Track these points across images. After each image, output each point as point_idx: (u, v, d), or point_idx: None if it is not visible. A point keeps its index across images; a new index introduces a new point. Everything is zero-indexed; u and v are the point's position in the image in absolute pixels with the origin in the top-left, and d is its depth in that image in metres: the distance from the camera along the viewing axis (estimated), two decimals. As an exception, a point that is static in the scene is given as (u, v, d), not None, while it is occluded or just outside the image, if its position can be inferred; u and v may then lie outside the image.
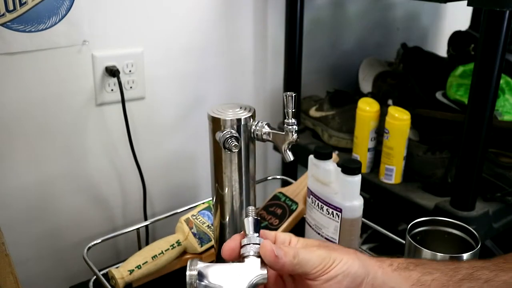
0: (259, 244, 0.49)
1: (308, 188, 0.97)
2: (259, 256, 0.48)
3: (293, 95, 0.76)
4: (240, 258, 0.49)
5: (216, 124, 0.83)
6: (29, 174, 1.05)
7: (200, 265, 0.47)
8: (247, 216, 0.51)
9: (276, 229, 1.05)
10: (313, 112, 1.34)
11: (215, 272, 0.47)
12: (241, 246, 0.49)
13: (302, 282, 0.51)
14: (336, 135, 1.27)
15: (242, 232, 0.52)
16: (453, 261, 0.54)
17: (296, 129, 0.78)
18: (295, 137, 0.78)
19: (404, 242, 0.82)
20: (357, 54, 1.47)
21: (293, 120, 0.78)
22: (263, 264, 0.48)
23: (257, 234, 0.50)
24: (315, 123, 1.33)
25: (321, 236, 0.94)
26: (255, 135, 0.85)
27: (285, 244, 0.53)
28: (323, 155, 0.94)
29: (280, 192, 1.10)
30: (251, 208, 0.51)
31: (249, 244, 0.49)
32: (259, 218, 0.51)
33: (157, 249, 0.96)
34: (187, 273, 0.47)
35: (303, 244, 0.53)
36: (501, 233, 1.10)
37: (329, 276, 0.49)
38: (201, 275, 0.47)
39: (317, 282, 0.49)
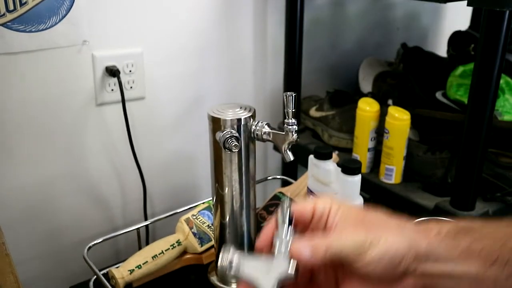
0: (289, 239, 0.48)
1: (308, 188, 0.97)
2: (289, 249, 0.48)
3: (293, 95, 0.76)
4: (271, 250, 0.49)
5: (216, 124, 0.84)
6: (29, 174, 1.05)
7: (231, 255, 0.48)
8: (282, 208, 0.50)
9: (276, 229, 1.05)
10: (313, 112, 1.34)
11: (248, 265, 0.48)
12: (273, 238, 0.49)
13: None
14: (336, 135, 1.27)
15: (274, 221, 0.51)
16: (508, 224, 0.48)
17: (296, 129, 0.78)
18: (295, 137, 0.78)
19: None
20: (357, 54, 1.47)
21: (293, 120, 0.78)
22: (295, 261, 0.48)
23: (291, 228, 0.49)
24: (315, 123, 1.33)
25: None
26: (255, 135, 0.85)
27: (323, 216, 0.51)
28: (323, 155, 0.94)
29: (280, 192, 1.10)
30: (286, 200, 0.51)
31: (280, 238, 0.48)
32: (294, 211, 0.50)
33: (157, 249, 0.96)
34: (219, 263, 0.48)
35: (341, 218, 0.50)
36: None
37: (365, 262, 0.46)
38: (231, 268, 0.47)
39: (352, 267, 0.47)
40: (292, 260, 0.47)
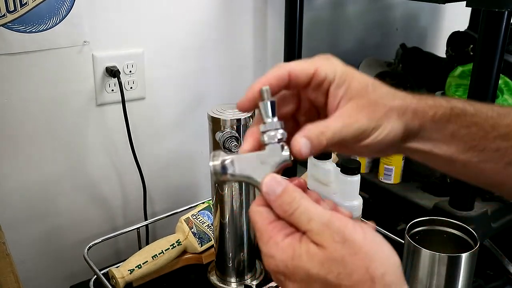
0: (279, 128, 0.45)
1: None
2: (280, 141, 0.45)
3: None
4: (261, 146, 0.46)
5: (216, 124, 0.84)
6: (30, 174, 1.05)
7: (224, 156, 0.46)
8: (262, 99, 0.46)
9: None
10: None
11: (238, 162, 0.46)
12: (261, 133, 0.46)
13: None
14: (336, 135, 1.27)
15: (257, 119, 0.48)
16: (499, 112, 0.50)
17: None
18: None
19: (403, 241, 0.82)
20: (356, 54, 1.47)
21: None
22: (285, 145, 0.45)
23: (276, 119, 0.46)
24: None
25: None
26: (255, 135, 0.85)
27: (324, 85, 0.47)
28: (323, 155, 0.94)
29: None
30: (265, 88, 0.46)
31: (269, 130, 0.45)
32: (275, 99, 0.46)
33: (157, 249, 0.96)
34: (211, 163, 0.45)
35: (345, 93, 0.46)
36: (500, 232, 1.10)
37: (362, 145, 0.47)
38: (224, 167, 0.45)
39: (347, 144, 0.47)
40: (283, 144, 0.45)
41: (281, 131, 0.45)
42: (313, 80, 0.47)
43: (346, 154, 0.48)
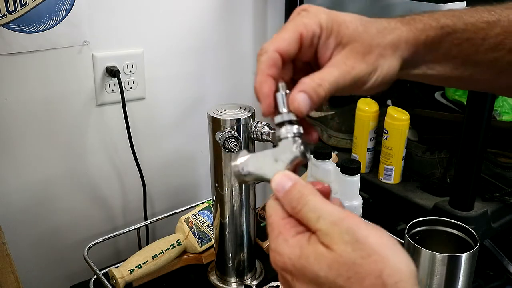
0: (295, 123, 0.44)
1: (307, 188, 0.98)
2: (295, 135, 0.44)
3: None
4: (276, 139, 0.46)
5: (216, 124, 0.84)
6: (30, 174, 1.05)
7: (242, 156, 0.46)
8: (277, 91, 0.45)
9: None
10: (312, 112, 1.34)
11: (253, 161, 0.46)
12: (276, 125, 0.45)
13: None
14: (336, 135, 1.27)
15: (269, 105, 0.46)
16: (495, 14, 0.49)
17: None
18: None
19: (403, 241, 0.82)
20: (357, 54, 1.47)
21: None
22: (299, 139, 0.44)
23: (289, 111, 0.45)
24: (314, 123, 1.34)
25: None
26: (255, 135, 0.85)
27: (313, 43, 0.45)
28: (323, 155, 0.94)
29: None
30: (281, 84, 0.45)
31: (285, 122, 0.45)
32: (284, 92, 0.45)
33: (157, 249, 0.96)
34: (232, 163, 0.46)
35: (336, 42, 0.45)
36: (500, 232, 1.10)
37: (362, 89, 0.47)
38: (240, 168, 0.46)
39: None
40: (296, 140, 0.44)
41: (296, 126, 0.44)
42: (303, 45, 0.45)
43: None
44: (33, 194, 1.07)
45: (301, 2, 1.21)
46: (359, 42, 0.45)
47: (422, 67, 0.50)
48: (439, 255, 0.77)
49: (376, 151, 1.17)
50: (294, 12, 0.46)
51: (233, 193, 0.89)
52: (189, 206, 1.09)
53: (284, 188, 0.41)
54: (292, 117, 0.44)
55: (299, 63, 0.48)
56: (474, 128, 0.92)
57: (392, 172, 1.12)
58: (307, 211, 0.39)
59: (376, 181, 1.15)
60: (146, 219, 1.17)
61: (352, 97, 1.31)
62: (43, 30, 0.97)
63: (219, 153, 0.86)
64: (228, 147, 0.82)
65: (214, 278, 0.98)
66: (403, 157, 1.12)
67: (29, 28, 0.95)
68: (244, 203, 0.91)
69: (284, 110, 0.45)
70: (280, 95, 0.45)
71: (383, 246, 0.36)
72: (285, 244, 0.39)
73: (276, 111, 0.45)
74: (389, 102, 1.26)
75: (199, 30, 1.18)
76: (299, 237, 0.39)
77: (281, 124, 0.45)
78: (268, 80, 0.44)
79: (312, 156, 0.95)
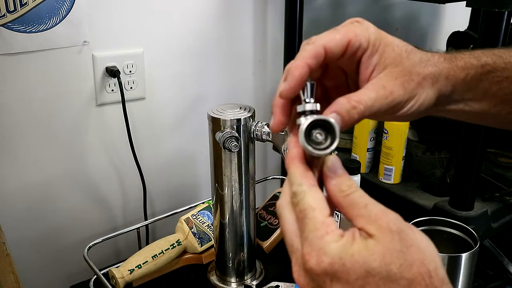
0: (315, 113, 0.43)
1: (307, 188, 0.98)
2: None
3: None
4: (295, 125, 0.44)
5: (216, 124, 0.84)
6: (30, 174, 1.05)
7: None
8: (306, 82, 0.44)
9: (276, 229, 1.05)
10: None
11: None
12: (297, 114, 0.43)
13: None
14: (336, 135, 1.27)
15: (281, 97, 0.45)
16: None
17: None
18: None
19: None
20: (357, 54, 1.47)
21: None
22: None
23: (313, 100, 0.43)
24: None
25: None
26: (255, 135, 0.85)
27: (358, 54, 0.45)
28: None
29: (280, 192, 1.11)
30: (310, 78, 0.44)
31: (306, 112, 0.43)
32: (314, 82, 0.44)
33: (157, 249, 0.96)
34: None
35: (379, 61, 0.45)
36: (500, 232, 1.10)
37: (396, 115, 0.47)
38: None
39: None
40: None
41: (315, 116, 0.42)
42: (347, 52, 0.45)
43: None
44: (33, 194, 1.07)
45: (301, 2, 1.22)
46: (400, 68, 0.45)
47: (460, 104, 0.50)
48: (439, 255, 0.77)
49: (376, 151, 1.17)
50: (348, 21, 0.46)
51: (233, 193, 0.89)
52: (189, 206, 1.09)
53: (336, 172, 0.42)
54: (315, 107, 0.43)
55: (332, 69, 0.48)
56: (474, 128, 0.92)
57: (392, 172, 1.12)
58: (357, 197, 0.40)
59: (376, 181, 1.15)
60: (146, 219, 1.17)
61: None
62: (43, 30, 0.97)
63: (219, 153, 0.86)
64: (228, 147, 0.82)
65: (214, 278, 0.98)
66: (403, 157, 1.12)
67: (29, 28, 0.95)
68: (244, 203, 0.91)
69: (311, 100, 0.43)
70: (310, 84, 0.44)
71: (419, 237, 0.39)
72: (334, 244, 0.38)
73: (298, 100, 0.44)
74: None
75: (199, 30, 1.18)
76: (346, 236, 0.38)
77: (302, 114, 0.43)
78: (305, 67, 0.43)
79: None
